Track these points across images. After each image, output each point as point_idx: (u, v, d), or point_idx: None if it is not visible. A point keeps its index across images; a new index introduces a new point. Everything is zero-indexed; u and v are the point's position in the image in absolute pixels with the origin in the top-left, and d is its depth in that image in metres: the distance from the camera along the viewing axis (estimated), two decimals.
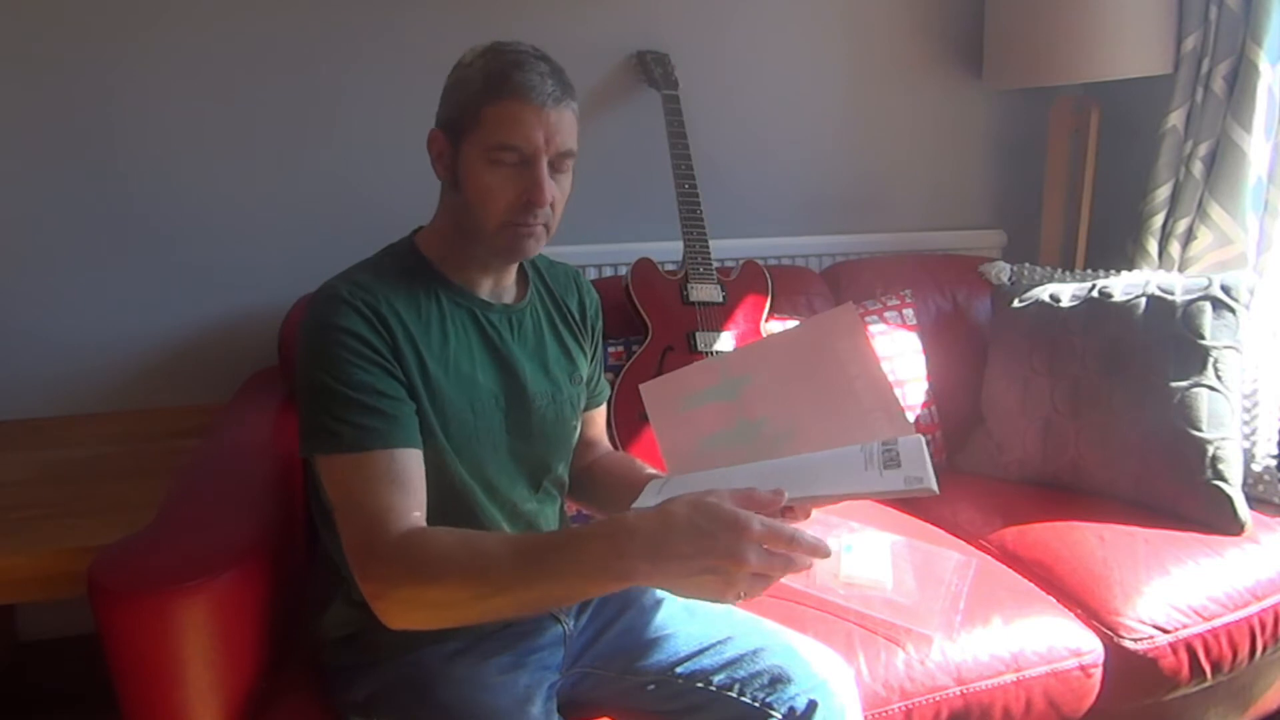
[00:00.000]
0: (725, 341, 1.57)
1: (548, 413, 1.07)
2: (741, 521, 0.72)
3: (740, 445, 0.92)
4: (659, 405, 0.97)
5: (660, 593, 1.13)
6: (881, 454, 0.80)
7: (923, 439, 0.82)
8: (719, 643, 1.05)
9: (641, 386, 0.98)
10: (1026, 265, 1.91)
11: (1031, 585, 1.36)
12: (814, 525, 1.37)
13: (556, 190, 0.97)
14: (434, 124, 1.00)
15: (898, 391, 1.67)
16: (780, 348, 0.99)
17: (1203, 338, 1.48)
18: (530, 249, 0.99)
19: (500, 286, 1.07)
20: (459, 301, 1.02)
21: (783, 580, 1.26)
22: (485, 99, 0.93)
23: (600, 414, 1.25)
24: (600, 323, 1.21)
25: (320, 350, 0.92)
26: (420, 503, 0.90)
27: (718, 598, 0.75)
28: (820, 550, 0.74)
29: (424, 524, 0.89)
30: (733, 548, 0.72)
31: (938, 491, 0.75)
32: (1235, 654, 1.31)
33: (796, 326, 1.07)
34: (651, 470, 1.13)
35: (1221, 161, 1.78)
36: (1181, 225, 1.86)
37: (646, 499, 0.87)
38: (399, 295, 0.97)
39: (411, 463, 0.91)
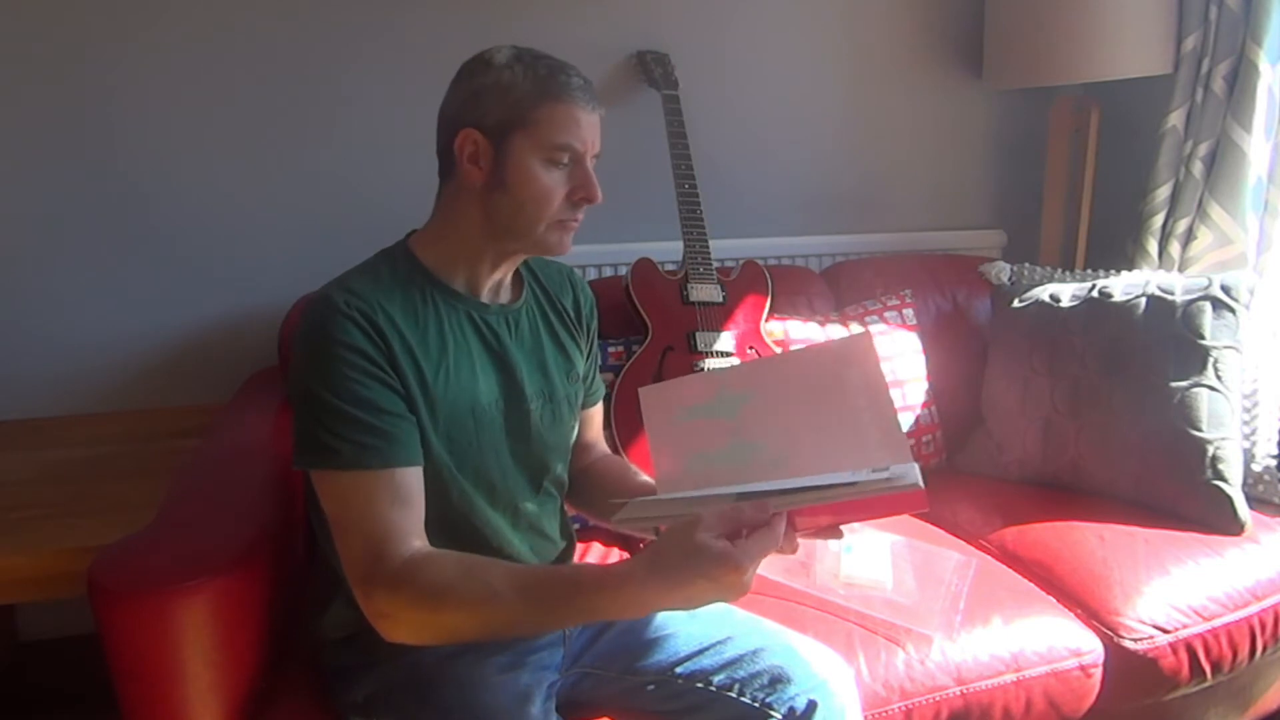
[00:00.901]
0: (725, 341, 1.57)
1: (546, 413, 1.07)
2: (734, 558, 0.75)
3: (732, 466, 0.89)
4: (655, 413, 0.95)
5: None
6: (871, 470, 0.79)
7: (917, 467, 0.79)
8: (719, 643, 1.04)
9: (640, 391, 0.96)
10: (1026, 265, 1.91)
11: (1031, 585, 1.36)
12: None
13: None
14: (449, 124, 0.99)
15: (897, 392, 1.68)
16: (787, 368, 0.95)
17: (1203, 338, 1.48)
18: (569, 245, 1.02)
19: (500, 287, 1.07)
20: (456, 305, 1.02)
21: (782, 580, 1.28)
22: (539, 100, 0.95)
23: (597, 413, 1.25)
24: (595, 320, 1.21)
25: (317, 363, 0.92)
26: (420, 520, 0.91)
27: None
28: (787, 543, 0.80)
29: (425, 544, 0.90)
30: (733, 584, 0.76)
31: (922, 486, 0.74)
32: (1235, 654, 1.31)
33: (808, 348, 1.03)
34: (646, 479, 1.13)
35: (1221, 161, 1.78)
36: (1181, 225, 1.86)
37: (631, 511, 0.87)
38: (395, 303, 0.97)
39: (411, 480, 0.92)
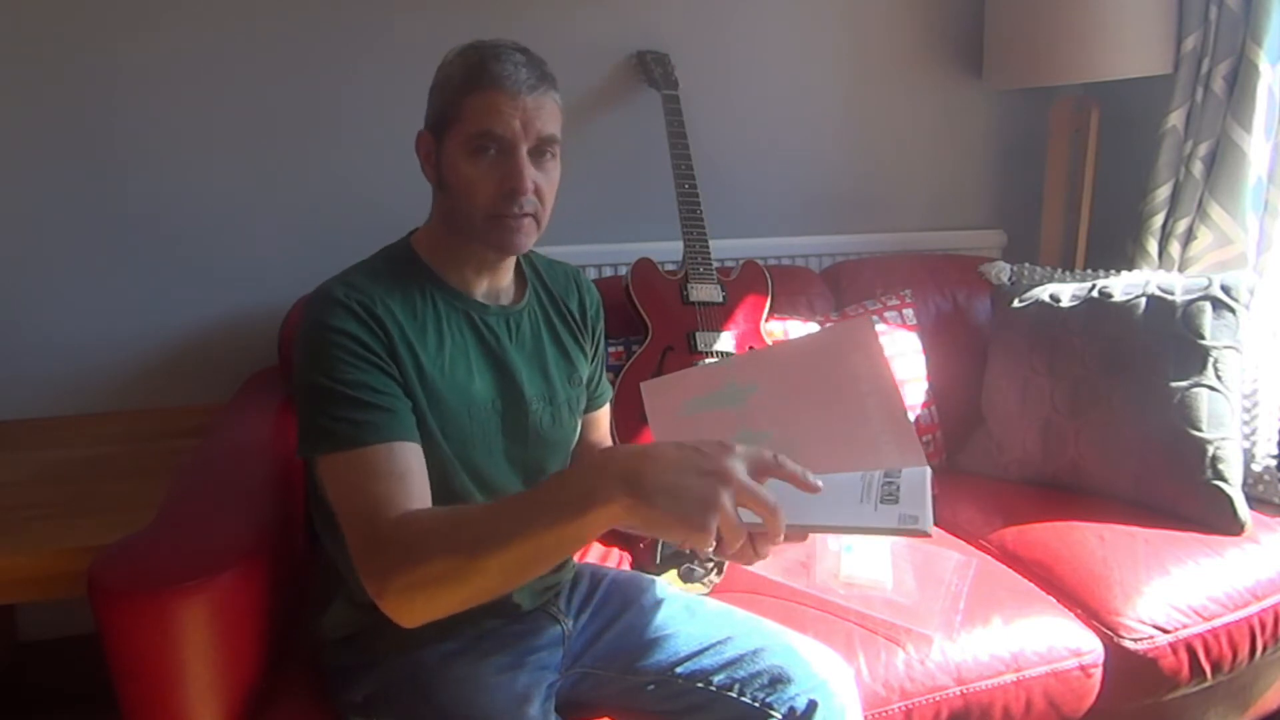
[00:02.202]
0: (725, 341, 1.56)
1: (544, 416, 1.07)
2: (726, 443, 0.71)
3: None
4: (659, 406, 0.93)
5: (660, 592, 1.14)
6: (881, 486, 0.77)
7: (928, 472, 0.78)
8: (719, 643, 1.05)
9: (642, 385, 0.95)
10: (1026, 265, 1.91)
11: (1031, 585, 1.36)
12: None
13: (542, 178, 0.97)
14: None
15: None
16: (790, 357, 0.95)
17: (1203, 338, 1.48)
18: (520, 243, 0.98)
19: (496, 287, 1.07)
20: (455, 304, 1.02)
21: (783, 580, 1.28)
22: (463, 92, 0.94)
23: (603, 416, 1.25)
24: (602, 322, 1.20)
25: (315, 352, 0.92)
26: (419, 495, 0.88)
27: (698, 521, 0.67)
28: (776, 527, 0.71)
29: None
30: (719, 459, 0.69)
31: (930, 534, 0.73)
32: (1235, 654, 1.31)
33: (809, 335, 1.03)
34: None
35: (1221, 161, 1.78)
36: (1181, 225, 1.86)
37: None
38: (395, 297, 0.97)
39: (410, 456, 0.90)
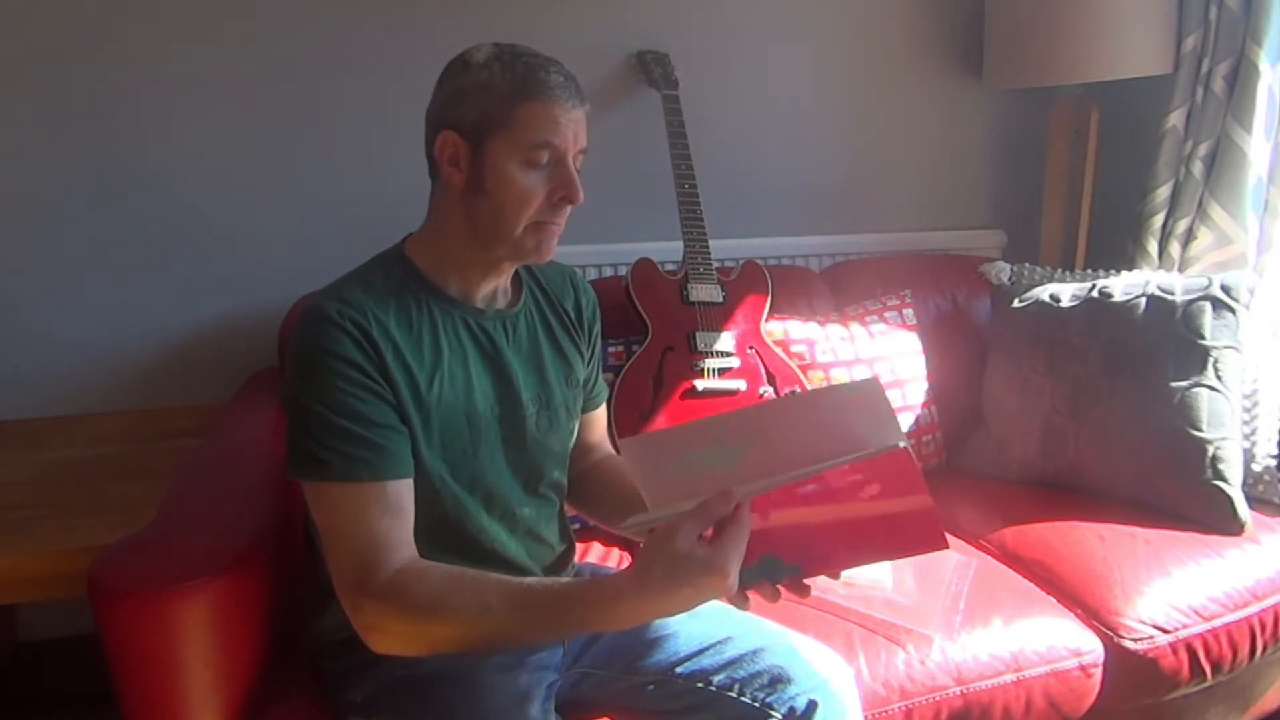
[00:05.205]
0: (725, 341, 1.56)
1: (542, 419, 1.06)
2: (717, 564, 0.77)
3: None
4: (645, 463, 0.87)
5: None
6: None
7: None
8: (719, 643, 1.04)
9: (622, 443, 0.90)
10: (1026, 265, 1.91)
11: (1031, 585, 1.36)
12: None
13: None
14: (432, 127, 0.98)
15: (896, 392, 1.68)
16: (788, 415, 0.90)
17: (1203, 338, 1.48)
18: (552, 250, 1.00)
19: (496, 292, 1.06)
20: (451, 311, 1.01)
21: None
22: (513, 100, 0.93)
23: (600, 416, 1.25)
24: (598, 323, 1.20)
25: (309, 375, 0.91)
26: (409, 532, 0.90)
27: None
28: None
29: (415, 555, 0.89)
30: (715, 588, 0.78)
31: (903, 444, 0.78)
32: (1235, 654, 1.31)
33: (810, 393, 1.00)
34: None
35: (1221, 161, 1.78)
36: (1181, 225, 1.86)
37: (632, 522, 0.88)
38: (389, 311, 0.96)
39: (402, 492, 0.91)
